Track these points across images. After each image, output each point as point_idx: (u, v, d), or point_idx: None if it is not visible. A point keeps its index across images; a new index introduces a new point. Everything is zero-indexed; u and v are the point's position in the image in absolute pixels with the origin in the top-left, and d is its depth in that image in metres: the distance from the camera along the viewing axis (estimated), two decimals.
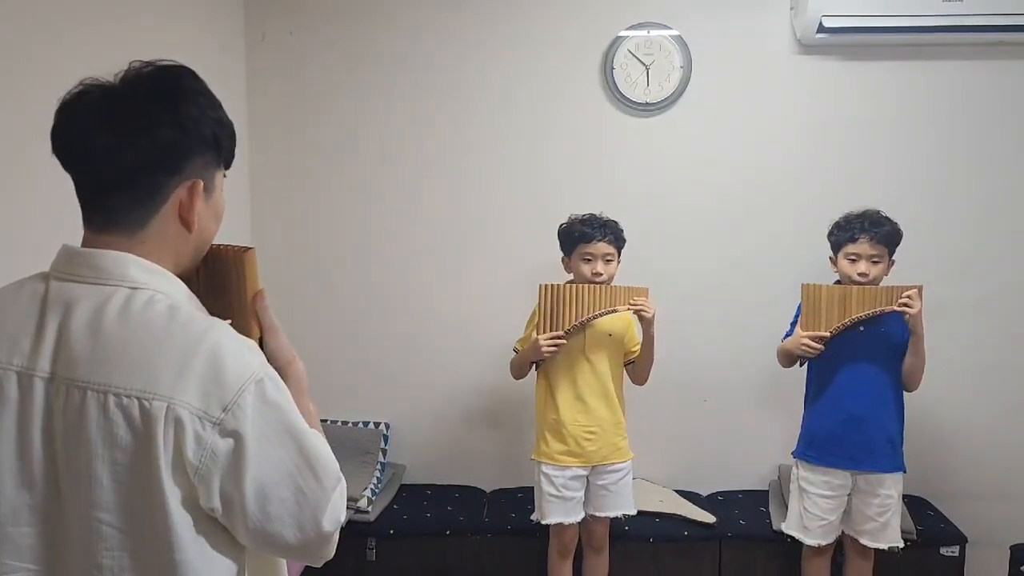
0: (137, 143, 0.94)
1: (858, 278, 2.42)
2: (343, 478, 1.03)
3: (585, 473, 2.54)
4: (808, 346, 2.41)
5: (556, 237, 2.56)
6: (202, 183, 0.99)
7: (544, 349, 2.42)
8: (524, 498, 2.92)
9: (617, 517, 2.60)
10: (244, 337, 0.97)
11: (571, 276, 2.56)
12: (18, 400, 0.92)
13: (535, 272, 2.76)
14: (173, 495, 0.89)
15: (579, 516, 2.56)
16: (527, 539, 2.76)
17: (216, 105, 1.01)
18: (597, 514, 2.58)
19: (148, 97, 0.96)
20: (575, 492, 2.53)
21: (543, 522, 2.56)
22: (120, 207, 0.97)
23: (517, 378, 2.62)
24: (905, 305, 2.34)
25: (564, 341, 2.45)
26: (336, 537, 1.01)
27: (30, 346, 0.93)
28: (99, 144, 0.94)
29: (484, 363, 3.04)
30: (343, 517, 1.02)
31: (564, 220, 2.55)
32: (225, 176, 1.05)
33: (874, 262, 2.42)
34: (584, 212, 2.54)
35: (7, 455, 0.92)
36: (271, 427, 0.93)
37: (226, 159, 1.04)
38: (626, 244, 2.55)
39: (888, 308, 2.37)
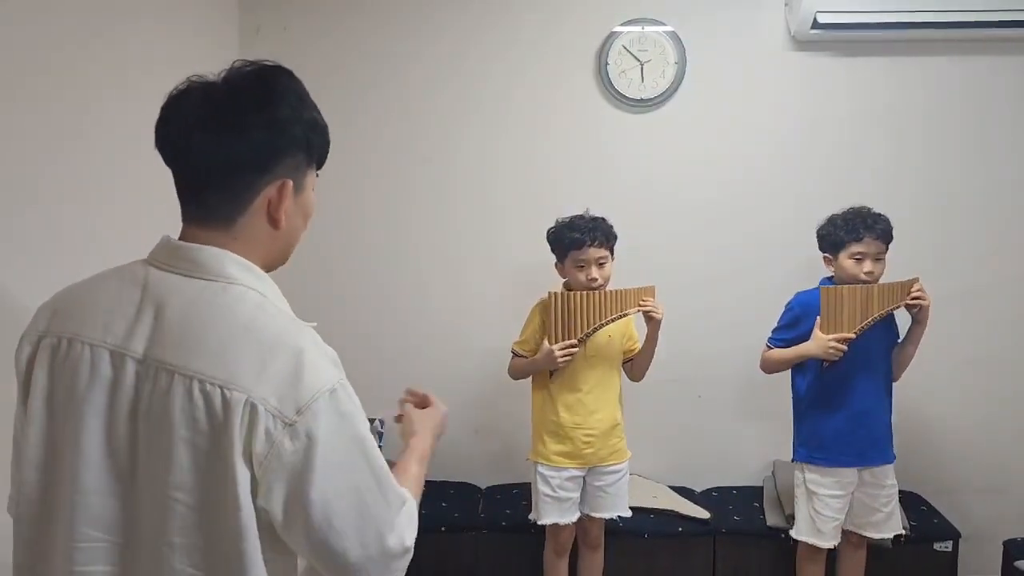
0: (228, 142, 0.98)
1: (865, 277, 2.40)
2: (410, 500, 1.05)
3: (582, 474, 2.54)
4: (836, 348, 2.38)
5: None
6: (291, 183, 1.03)
7: (559, 360, 2.42)
8: (519, 494, 2.92)
9: (612, 518, 2.60)
10: (326, 345, 1.00)
11: (566, 279, 2.54)
12: (111, 377, 0.97)
13: (530, 268, 2.76)
14: (243, 484, 0.92)
15: (575, 516, 2.55)
16: (522, 536, 2.76)
17: (310, 106, 1.05)
18: (593, 514, 2.58)
19: (241, 98, 1.00)
20: (571, 493, 2.53)
21: (539, 522, 2.55)
22: (212, 203, 1.01)
23: (517, 379, 2.62)
24: (918, 298, 2.37)
25: (577, 349, 2.44)
26: (402, 564, 1.02)
27: (125, 328, 0.98)
28: (194, 142, 0.98)
29: (479, 359, 3.04)
30: (410, 541, 1.03)
31: (556, 219, 2.53)
32: (317, 176, 1.09)
33: (878, 260, 2.42)
34: (573, 212, 2.51)
35: (95, 428, 0.96)
36: (341, 437, 0.95)
37: (318, 159, 1.08)
38: (619, 240, 2.53)
39: (904, 303, 2.39)
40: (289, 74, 1.04)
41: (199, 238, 1.01)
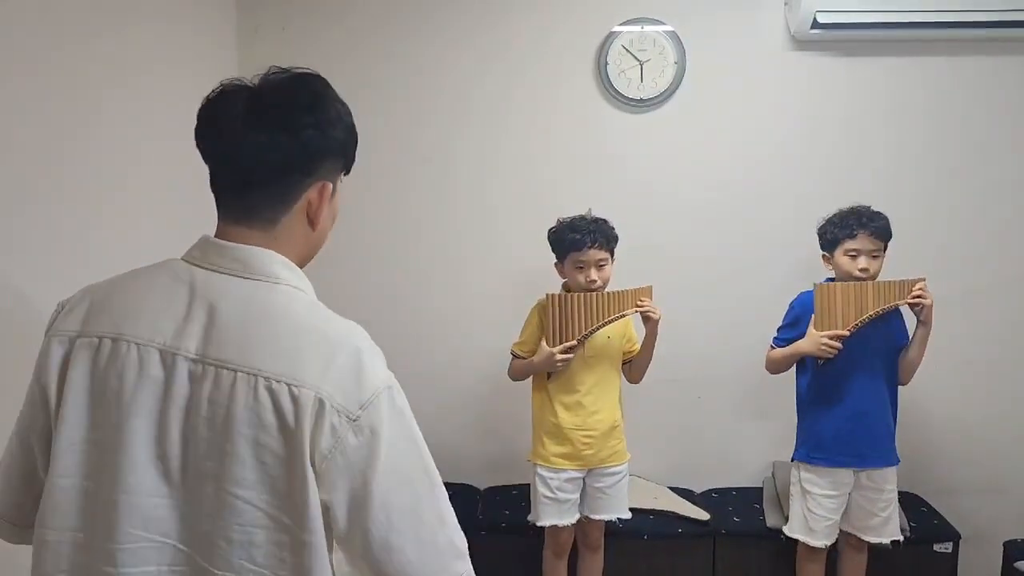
0: (281, 143, 1.00)
1: (859, 274, 2.40)
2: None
3: (581, 475, 2.53)
4: (829, 346, 2.38)
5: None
6: (331, 185, 1.07)
7: (558, 362, 2.42)
8: (518, 496, 2.91)
9: (611, 520, 2.59)
10: (376, 344, 1.03)
11: (565, 280, 2.54)
12: (161, 377, 0.97)
13: (530, 268, 2.76)
14: (311, 478, 0.93)
15: (574, 518, 2.54)
16: (521, 537, 2.75)
17: (348, 112, 1.09)
18: (592, 516, 2.57)
19: (292, 100, 1.02)
20: (570, 494, 2.52)
21: (538, 523, 2.55)
22: (257, 203, 1.03)
23: (517, 380, 2.61)
24: (919, 297, 2.35)
25: (573, 354, 2.44)
26: (460, 567, 1.02)
27: (174, 327, 0.98)
28: (246, 143, 1.00)
29: (478, 361, 3.03)
30: (459, 540, 1.03)
31: (558, 217, 2.53)
32: (341, 181, 1.12)
33: (873, 257, 2.42)
34: (571, 212, 2.50)
35: (142, 428, 0.96)
36: (400, 432, 0.98)
37: (348, 164, 1.11)
38: (619, 241, 2.52)
39: (903, 301, 2.38)
40: (327, 82, 1.08)
41: (239, 237, 1.03)
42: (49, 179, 1.84)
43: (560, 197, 2.75)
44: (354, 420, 0.94)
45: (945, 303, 2.53)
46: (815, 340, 2.40)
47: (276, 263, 1.02)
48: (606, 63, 2.94)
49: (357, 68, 3.02)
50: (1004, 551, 2.80)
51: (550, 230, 2.52)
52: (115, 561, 0.96)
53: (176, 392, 0.96)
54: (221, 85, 1.05)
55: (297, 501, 0.93)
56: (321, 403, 0.93)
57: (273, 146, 1.00)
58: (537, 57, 2.98)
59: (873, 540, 2.50)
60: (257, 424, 0.93)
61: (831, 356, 2.40)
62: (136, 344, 0.98)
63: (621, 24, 2.94)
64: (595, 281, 2.44)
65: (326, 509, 0.95)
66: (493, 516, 2.89)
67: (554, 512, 2.52)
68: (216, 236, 1.05)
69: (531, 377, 2.58)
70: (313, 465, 0.93)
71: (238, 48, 2.99)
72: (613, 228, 2.49)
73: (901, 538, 2.51)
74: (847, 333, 2.38)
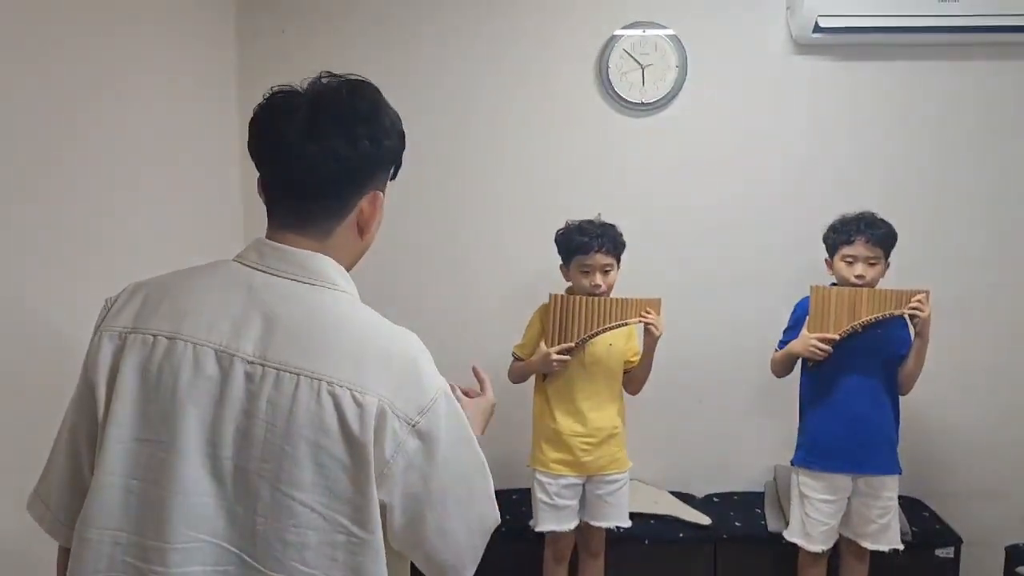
0: (339, 155, 1.01)
1: (855, 280, 2.40)
2: None
3: (580, 482, 2.52)
4: (817, 348, 2.38)
5: (552, 239, 2.53)
6: (381, 194, 1.09)
7: (554, 363, 2.41)
8: (518, 500, 2.90)
9: (611, 528, 2.58)
10: (428, 351, 1.06)
11: (570, 284, 2.53)
12: (217, 378, 0.97)
13: (530, 273, 2.75)
14: (374, 481, 0.95)
15: (573, 524, 2.54)
16: (521, 542, 2.73)
17: (399, 119, 1.11)
18: (592, 523, 2.56)
19: (351, 112, 1.03)
20: (568, 500, 2.51)
21: (536, 529, 2.54)
22: (313, 214, 1.04)
23: (516, 382, 2.60)
24: (916, 309, 2.33)
25: (569, 357, 2.43)
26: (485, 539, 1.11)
27: (231, 328, 0.98)
28: (304, 154, 1.00)
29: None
30: (495, 511, 1.12)
31: (560, 221, 2.53)
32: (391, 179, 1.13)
33: (871, 264, 2.41)
34: (582, 215, 2.50)
35: (195, 428, 0.96)
36: (456, 434, 1.02)
37: (396, 170, 1.14)
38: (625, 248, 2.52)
39: (898, 311, 2.36)
40: (378, 89, 1.09)
41: (294, 244, 1.03)
42: (50, 180, 1.84)
43: (561, 201, 2.75)
44: (414, 425, 0.97)
45: (946, 308, 2.53)
46: (805, 341, 2.41)
47: (334, 270, 1.04)
48: (608, 67, 2.93)
49: (356, 72, 3.00)
50: (1006, 556, 2.80)
51: (558, 232, 2.51)
52: (166, 561, 0.96)
53: (232, 393, 0.96)
54: (272, 91, 1.05)
55: (359, 503, 0.95)
56: (383, 409, 0.95)
57: (332, 158, 1.00)
58: (539, 61, 2.98)
59: (871, 547, 2.49)
60: (319, 428, 0.94)
61: (820, 358, 2.40)
62: (193, 343, 0.98)
63: (623, 28, 2.93)
64: (599, 286, 2.43)
65: (385, 508, 0.97)
66: None
67: (552, 518, 2.51)
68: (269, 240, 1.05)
69: (533, 382, 2.57)
70: (378, 468, 0.95)
71: (237, 51, 2.98)
72: (621, 235, 2.49)
73: (900, 547, 2.49)
74: (836, 337, 2.38)
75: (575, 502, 2.53)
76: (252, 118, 1.05)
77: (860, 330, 2.39)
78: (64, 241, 1.88)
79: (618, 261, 2.49)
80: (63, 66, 1.89)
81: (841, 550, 2.57)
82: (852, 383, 2.44)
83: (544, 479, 2.51)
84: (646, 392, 2.63)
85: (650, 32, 2.93)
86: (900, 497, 2.56)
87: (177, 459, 0.96)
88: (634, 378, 2.57)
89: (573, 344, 2.42)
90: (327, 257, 1.04)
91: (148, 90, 2.28)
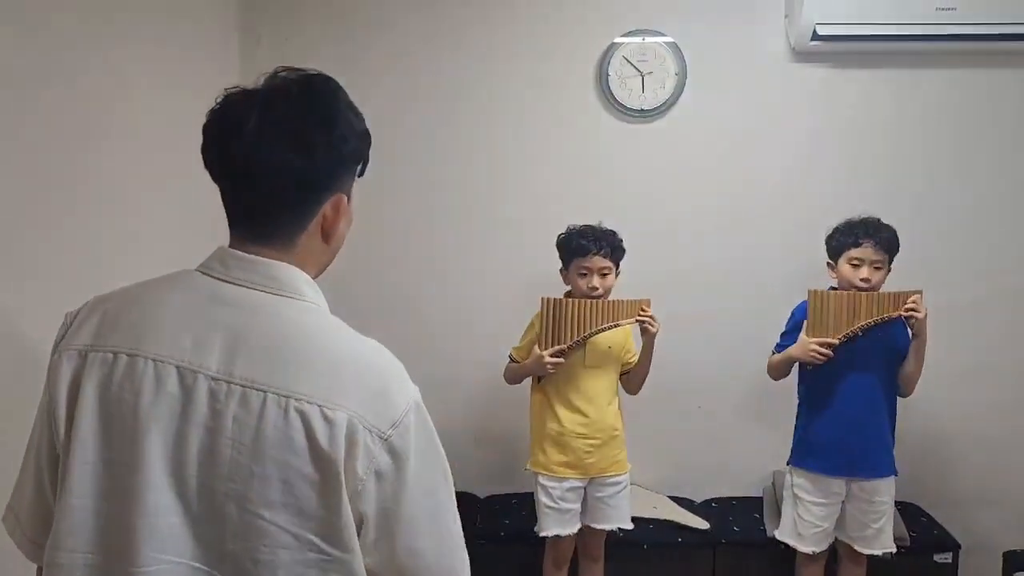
0: (293, 166, 0.96)
1: (860, 284, 2.40)
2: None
3: (582, 485, 2.53)
4: (817, 353, 2.39)
5: (551, 244, 2.55)
6: (345, 198, 1.03)
7: (547, 365, 2.42)
8: (518, 504, 2.91)
9: (612, 530, 2.59)
10: (399, 361, 1.02)
11: (569, 287, 2.55)
12: (179, 395, 0.93)
13: (530, 278, 2.76)
14: (346, 499, 0.92)
15: (575, 528, 2.55)
16: (521, 546, 2.75)
17: (361, 118, 1.05)
18: (593, 526, 2.57)
19: (301, 117, 0.97)
20: (572, 504, 2.53)
21: (540, 534, 2.55)
22: (273, 224, 1.00)
23: (511, 384, 2.62)
24: (912, 310, 2.34)
25: (564, 359, 2.45)
26: (463, 553, 1.06)
27: (193, 343, 0.94)
28: (254, 171, 0.96)
29: (478, 370, 3.03)
30: (462, 550, 1.06)
31: (559, 227, 2.55)
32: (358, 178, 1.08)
33: (876, 268, 2.42)
34: (581, 221, 2.52)
35: (158, 447, 0.93)
36: (427, 446, 0.99)
37: (363, 168, 1.08)
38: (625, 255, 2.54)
39: (895, 313, 2.37)
40: (336, 84, 1.03)
41: (258, 255, 1.00)
42: (52, 190, 1.85)
43: (560, 207, 2.77)
44: (386, 439, 0.94)
45: (944, 313, 2.54)
46: (804, 346, 2.42)
47: (300, 280, 1.00)
48: (607, 74, 2.95)
49: (358, 79, 2.98)
50: (1004, 561, 2.80)
51: (559, 236, 2.54)
52: None
53: (195, 410, 0.92)
54: (224, 95, 1.00)
55: (330, 521, 0.92)
56: (354, 424, 0.92)
57: (285, 170, 0.96)
58: (538, 68, 3.00)
59: (865, 551, 2.50)
60: (287, 446, 0.91)
61: (820, 363, 2.41)
62: (154, 360, 0.94)
63: (623, 35, 2.95)
64: (597, 288, 2.45)
65: (358, 524, 0.94)
66: (492, 525, 2.89)
67: (556, 522, 2.52)
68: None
69: (531, 385, 2.59)
70: (350, 484, 0.92)
71: (240, 59, 3.00)
72: (622, 241, 2.52)
73: (892, 549, 2.50)
74: (836, 341, 2.39)
75: (578, 505, 2.54)
76: (204, 125, 1.00)
77: (861, 334, 2.40)
78: (66, 251, 1.88)
79: (617, 266, 2.51)
80: (65, 78, 1.90)
81: (839, 554, 2.58)
82: (848, 385, 2.44)
83: (548, 483, 2.52)
84: (645, 396, 2.64)
85: (650, 39, 2.95)
86: (898, 502, 2.57)
87: (142, 480, 0.92)
88: (634, 377, 2.58)
89: (566, 346, 2.44)
90: (293, 267, 1.00)
91: (151, 100, 2.29)
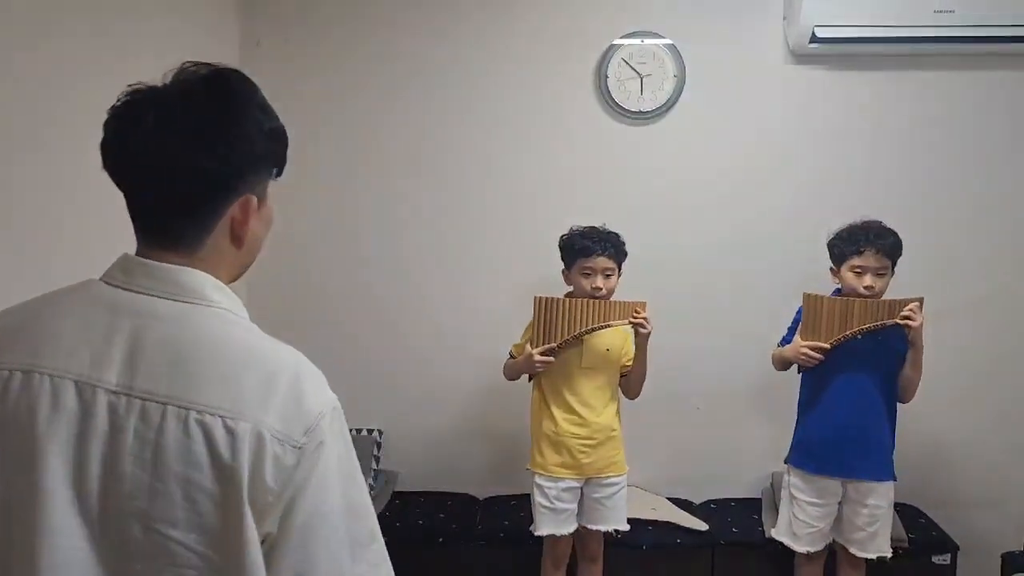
0: (195, 165, 0.92)
1: (864, 291, 2.38)
2: (380, 537, 0.99)
3: (579, 485, 2.54)
4: (807, 356, 2.39)
5: (551, 246, 2.55)
6: (255, 199, 0.98)
7: (537, 364, 2.43)
8: (517, 506, 2.91)
9: (609, 531, 2.59)
10: (315, 366, 0.97)
11: (571, 288, 2.56)
12: (77, 411, 0.88)
13: (529, 279, 2.77)
14: (248, 515, 0.87)
15: (572, 528, 2.55)
16: (520, 547, 2.75)
17: (271, 115, 0.99)
18: (589, 526, 2.57)
19: (204, 116, 0.92)
20: (568, 504, 2.53)
21: (536, 533, 2.55)
22: (175, 227, 0.95)
23: (509, 379, 2.63)
24: (907, 318, 2.32)
25: (554, 359, 2.45)
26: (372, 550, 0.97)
27: (92, 356, 0.90)
28: (156, 166, 0.92)
29: (478, 371, 3.04)
30: (375, 522, 0.98)
31: (558, 228, 2.55)
32: (274, 179, 1.03)
33: (879, 275, 2.39)
34: (580, 222, 2.53)
35: (57, 466, 0.88)
36: (342, 453, 0.93)
37: (278, 167, 1.02)
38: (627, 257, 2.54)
39: (890, 321, 2.35)
40: (246, 79, 0.98)
41: (160, 260, 0.95)
42: (52, 194, 1.85)
43: (560, 209, 2.77)
44: (298, 448, 0.88)
45: (942, 316, 2.55)
46: (796, 348, 2.42)
47: (208, 284, 0.95)
48: (606, 76, 2.96)
49: (358, 81, 3.04)
50: (1002, 562, 2.80)
51: (562, 236, 2.54)
52: None
53: (95, 426, 0.88)
54: (127, 93, 0.94)
55: (231, 539, 0.87)
56: (261, 434, 0.87)
57: (186, 169, 0.91)
58: (537, 70, 3.01)
59: (860, 554, 2.49)
60: (188, 461, 0.86)
61: (810, 366, 2.41)
62: (50, 375, 0.89)
63: (621, 37, 2.96)
64: (600, 288, 2.46)
65: (263, 541, 0.88)
66: (492, 526, 2.89)
67: (552, 522, 2.53)
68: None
69: (531, 386, 2.59)
70: (255, 499, 0.87)
71: (240, 61, 3.01)
72: (624, 243, 2.53)
73: (887, 555, 2.49)
74: (827, 346, 2.39)
75: (574, 505, 2.55)
76: (104, 123, 0.95)
77: (858, 337, 2.39)
78: (61, 255, 1.89)
79: (619, 268, 2.52)
80: (64, 80, 1.90)
81: (837, 555, 2.58)
82: (846, 387, 2.44)
83: (544, 483, 2.52)
84: (645, 398, 2.64)
85: (648, 42, 2.96)
86: (897, 503, 2.57)
87: (42, 502, 0.87)
88: (631, 380, 2.59)
89: (555, 345, 2.44)
90: (199, 272, 0.95)
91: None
